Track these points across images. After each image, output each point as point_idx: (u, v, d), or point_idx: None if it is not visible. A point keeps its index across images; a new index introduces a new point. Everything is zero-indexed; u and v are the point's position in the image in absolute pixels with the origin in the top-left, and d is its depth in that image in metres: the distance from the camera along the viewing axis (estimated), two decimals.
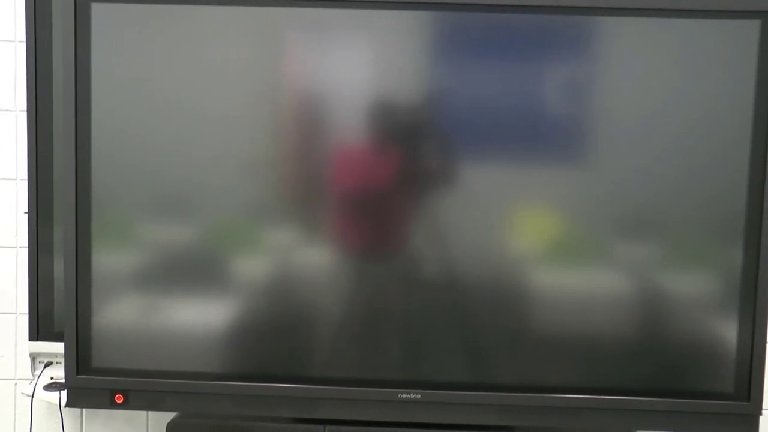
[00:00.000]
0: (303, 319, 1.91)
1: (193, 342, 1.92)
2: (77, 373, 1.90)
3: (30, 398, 2.17)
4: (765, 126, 1.80)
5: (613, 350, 1.89)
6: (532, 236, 1.89)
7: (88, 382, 1.90)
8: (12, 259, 2.22)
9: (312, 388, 1.88)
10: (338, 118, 1.88)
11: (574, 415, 1.86)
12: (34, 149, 2.09)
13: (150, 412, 2.25)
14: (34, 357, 2.18)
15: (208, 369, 1.90)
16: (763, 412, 1.87)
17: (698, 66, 1.82)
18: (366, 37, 1.85)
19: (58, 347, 2.05)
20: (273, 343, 1.91)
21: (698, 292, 1.87)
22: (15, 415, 2.27)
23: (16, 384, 2.26)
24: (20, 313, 2.22)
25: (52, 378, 2.17)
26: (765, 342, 1.84)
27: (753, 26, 1.78)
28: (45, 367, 2.18)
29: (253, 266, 1.91)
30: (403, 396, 1.87)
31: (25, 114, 2.10)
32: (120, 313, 1.91)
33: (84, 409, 2.25)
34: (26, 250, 2.13)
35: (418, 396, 1.86)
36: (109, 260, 1.89)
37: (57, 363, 2.16)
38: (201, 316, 1.91)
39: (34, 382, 2.17)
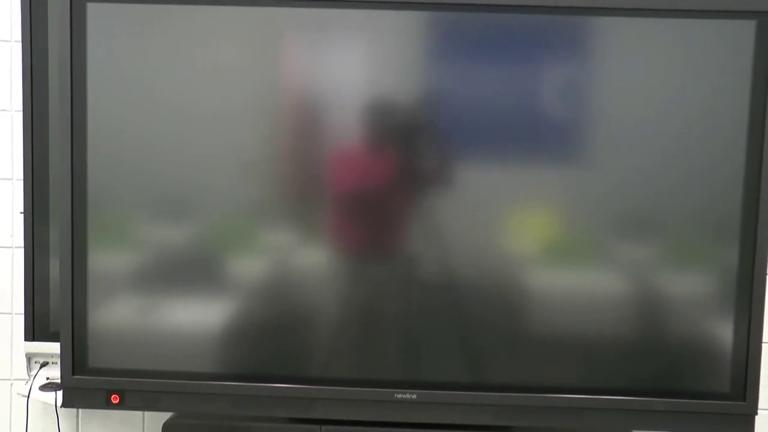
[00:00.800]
0: (299, 320, 1.91)
1: (189, 342, 1.91)
2: (73, 374, 1.90)
3: (26, 398, 2.17)
4: (761, 126, 1.80)
5: (610, 350, 1.89)
6: (529, 236, 1.89)
7: (84, 383, 1.90)
8: (8, 260, 2.22)
9: (308, 388, 1.88)
10: (337, 118, 1.88)
11: (571, 415, 1.86)
12: (30, 149, 2.09)
13: (146, 413, 2.25)
14: (30, 357, 2.18)
15: (204, 369, 1.90)
16: (759, 411, 1.87)
17: (694, 66, 1.82)
18: (364, 37, 1.85)
19: (54, 347, 2.05)
20: (269, 343, 1.91)
21: (694, 292, 1.87)
22: (11, 415, 2.26)
23: (11, 384, 2.25)
24: (16, 313, 2.22)
25: (48, 378, 2.17)
26: (760, 342, 1.84)
27: (749, 26, 1.78)
28: (41, 368, 2.17)
29: (249, 266, 1.91)
30: (400, 396, 1.86)
31: (21, 114, 2.10)
32: (116, 313, 1.91)
33: (80, 410, 2.25)
34: (22, 251, 2.13)
35: (414, 396, 1.86)
36: (105, 260, 1.89)
37: (53, 363, 2.16)
38: (197, 316, 1.91)
39: (30, 382, 2.16)
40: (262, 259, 1.91)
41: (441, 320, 1.88)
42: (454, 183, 1.86)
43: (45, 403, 2.16)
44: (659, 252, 1.88)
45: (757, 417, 1.86)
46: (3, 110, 2.18)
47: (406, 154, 1.87)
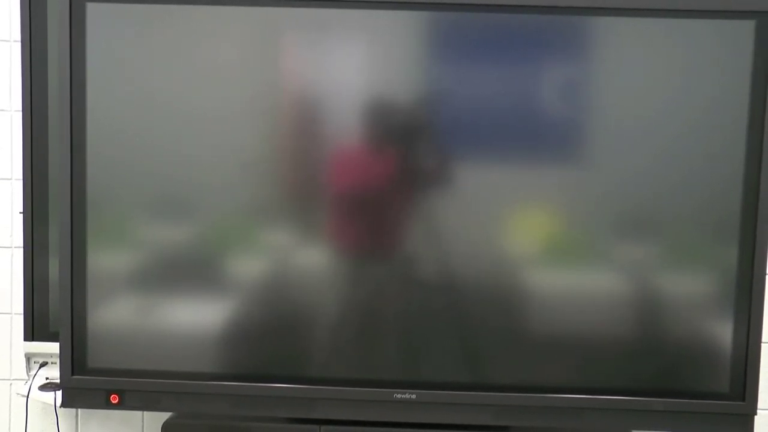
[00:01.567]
0: (298, 320, 1.91)
1: (188, 342, 1.91)
2: (72, 374, 1.90)
3: (25, 398, 2.17)
4: (760, 126, 1.80)
5: (610, 350, 1.89)
6: (528, 236, 1.89)
7: (83, 383, 1.90)
8: (7, 260, 2.22)
9: (307, 388, 1.88)
10: (336, 118, 1.88)
11: (571, 415, 1.87)
12: (30, 149, 2.09)
13: (145, 413, 2.25)
14: (29, 357, 2.18)
15: (203, 369, 1.90)
16: (759, 411, 1.87)
17: (694, 66, 1.82)
18: (364, 37, 1.85)
19: (54, 347, 2.05)
20: (268, 343, 1.91)
21: (694, 292, 1.88)
22: (10, 415, 2.26)
23: (11, 384, 2.25)
24: (15, 313, 2.22)
25: (47, 378, 2.16)
26: (760, 342, 1.84)
27: (748, 26, 1.78)
28: (40, 368, 2.17)
29: (248, 266, 1.91)
30: (399, 396, 1.86)
31: (21, 114, 2.10)
32: (115, 313, 1.91)
33: (79, 410, 2.25)
34: (21, 251, 2.13)
35: (414, 396, 1.86)
36: (104, 260, 1.89)
37: (52, 363, 2.16)
38: (197, 316, 1.91)
39: (29, 382, 2.16)
40: (261, 259, 1.91)
41: (441, 320, 1.88)
42: (454, 183, 1.86)
43: (44, 403, 2.16)
44: (659, 252, 1.88)
45: (756, 417, 1.86)
46: (2, 110, 2.18)
47: (406, 154, 1.87)
